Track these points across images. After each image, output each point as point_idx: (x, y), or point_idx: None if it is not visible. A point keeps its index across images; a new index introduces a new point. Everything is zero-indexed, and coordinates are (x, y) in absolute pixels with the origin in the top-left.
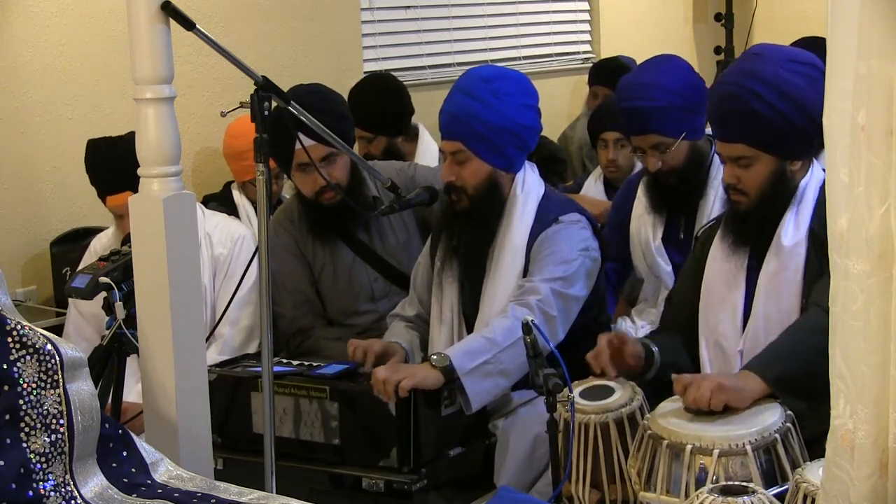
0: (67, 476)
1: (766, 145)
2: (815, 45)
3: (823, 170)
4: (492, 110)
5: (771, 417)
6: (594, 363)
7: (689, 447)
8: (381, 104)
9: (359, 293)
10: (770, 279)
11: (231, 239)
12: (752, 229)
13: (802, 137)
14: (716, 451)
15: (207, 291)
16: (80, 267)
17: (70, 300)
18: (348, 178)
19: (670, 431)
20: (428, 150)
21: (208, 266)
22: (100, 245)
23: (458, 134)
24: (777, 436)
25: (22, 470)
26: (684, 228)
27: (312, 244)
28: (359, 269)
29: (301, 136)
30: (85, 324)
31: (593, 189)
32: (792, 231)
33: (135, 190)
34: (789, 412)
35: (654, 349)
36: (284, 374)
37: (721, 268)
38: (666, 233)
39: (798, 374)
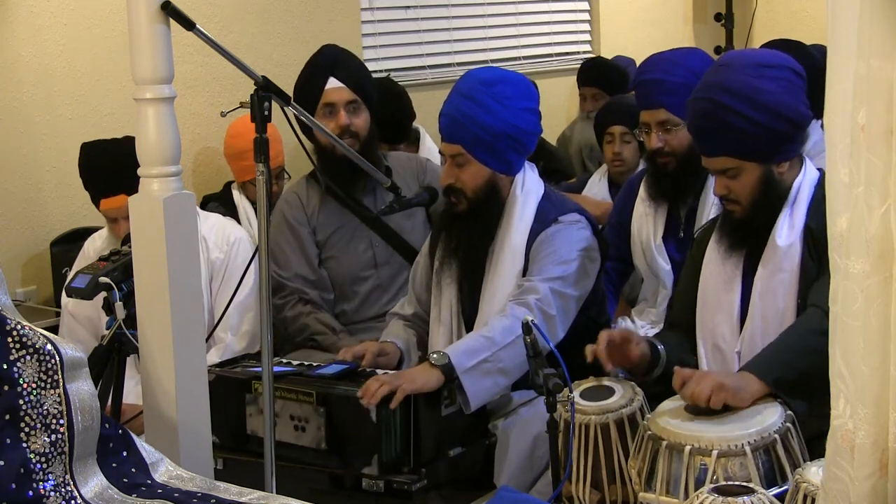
0: (67, 476)
1: (749, 154)
2: (787, 48)
3: (819, 169)
4: (492, 115)
5: (770, 417)
6: (589, 354)
7: (687, 448)
8: (381, 112)
9: (361, 258)
10: (765, 281)
11: (227, 242)
12: (747, 235)
13: (783, 140)
14: (714, 452)
15: (204, 296)
16: (75, 269)
17: (63, 303)
18: (367, 132)
19: (669, 432)
20: (430, 154)
21: (204, 271)
22: (93, 247)
23: (457, 137)
24: (776, 436)
25: (22, 470)
26: (684, 226)
27: (321, 215)
28: (362, 234)
29: (332, 78)
30: (78, 327)
31: (597, 187)
32: (786, 231)
33: (129, 193)
34: (789, 412)
35: (660, 347)
36: (284, 375)
37: (717, 270)
38: (666, 231)
39: (797, 375)
